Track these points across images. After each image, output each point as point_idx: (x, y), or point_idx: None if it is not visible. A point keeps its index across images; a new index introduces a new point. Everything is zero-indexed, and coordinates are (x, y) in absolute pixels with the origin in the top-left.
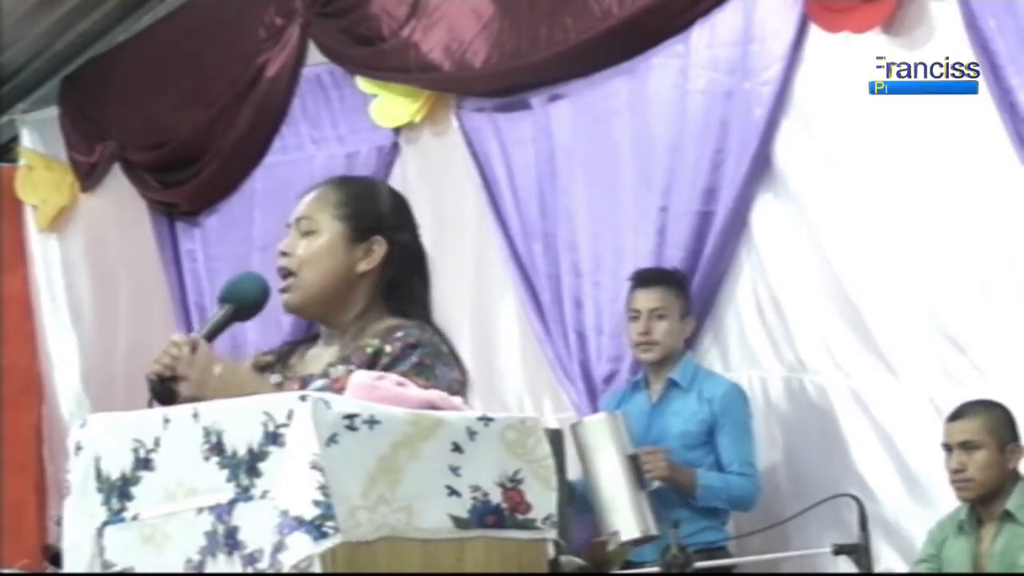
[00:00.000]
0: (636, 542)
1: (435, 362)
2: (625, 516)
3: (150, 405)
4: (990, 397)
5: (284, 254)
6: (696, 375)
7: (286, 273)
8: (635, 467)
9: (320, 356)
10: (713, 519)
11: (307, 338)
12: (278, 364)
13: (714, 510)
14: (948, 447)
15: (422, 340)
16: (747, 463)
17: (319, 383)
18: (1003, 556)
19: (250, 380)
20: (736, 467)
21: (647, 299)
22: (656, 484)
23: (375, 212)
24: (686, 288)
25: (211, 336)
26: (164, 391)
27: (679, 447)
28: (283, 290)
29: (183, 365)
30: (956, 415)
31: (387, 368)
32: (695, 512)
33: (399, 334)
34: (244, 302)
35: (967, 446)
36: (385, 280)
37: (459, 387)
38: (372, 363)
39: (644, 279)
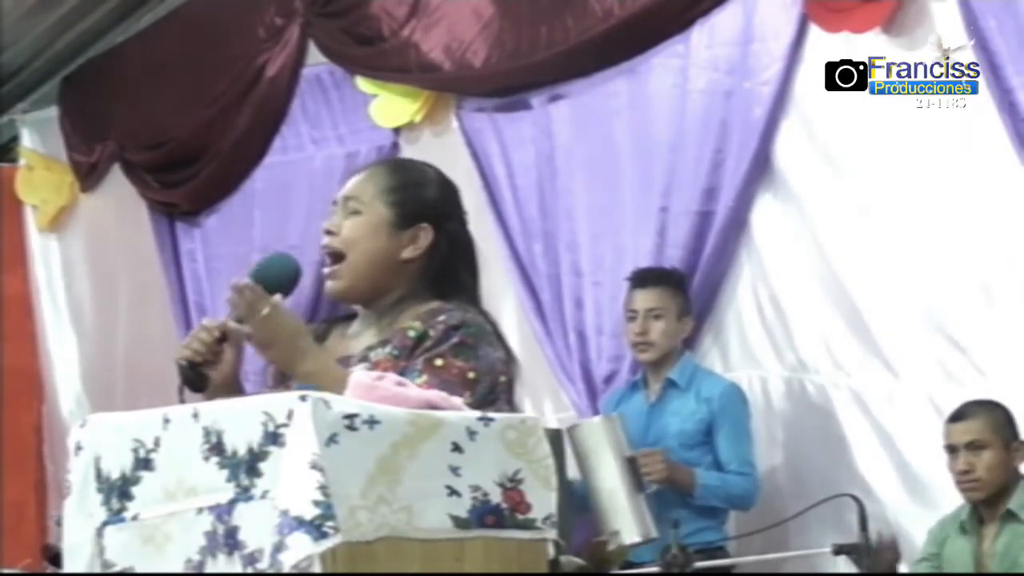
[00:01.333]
0: (636, 545)
1: (478, 342)
2: (625, 519)
3: (180, 392)
4: (989, 397)
5: (329, 232)
6: (695, 375)
7: (333, 254)
8: (633, 469)
9: (359, 336)
10: (711, 519)
11: (344, 317)
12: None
13: (712, 510)
14: (953, 449)
15: (465, 320)
16: (746, 462)
17: (360, 368)
18: (1004, 555)
19: (293, 332)
20: (735, 466)
21: (644, 299)
22: (655, 487)
23: (423, 199)
24: (685, 287)
25: (241, 319)
26: (195, 376)
27: (677, 447)
28: (329, 276)
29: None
30: (958, 416)
31: (429, 351)
32: (693, 512)
33: (441, 317)
34: (276, 283)
35: (973, 446)
36: (431, 268)
37: (504, 366)
38: (415, 347)
39: (641, 279)
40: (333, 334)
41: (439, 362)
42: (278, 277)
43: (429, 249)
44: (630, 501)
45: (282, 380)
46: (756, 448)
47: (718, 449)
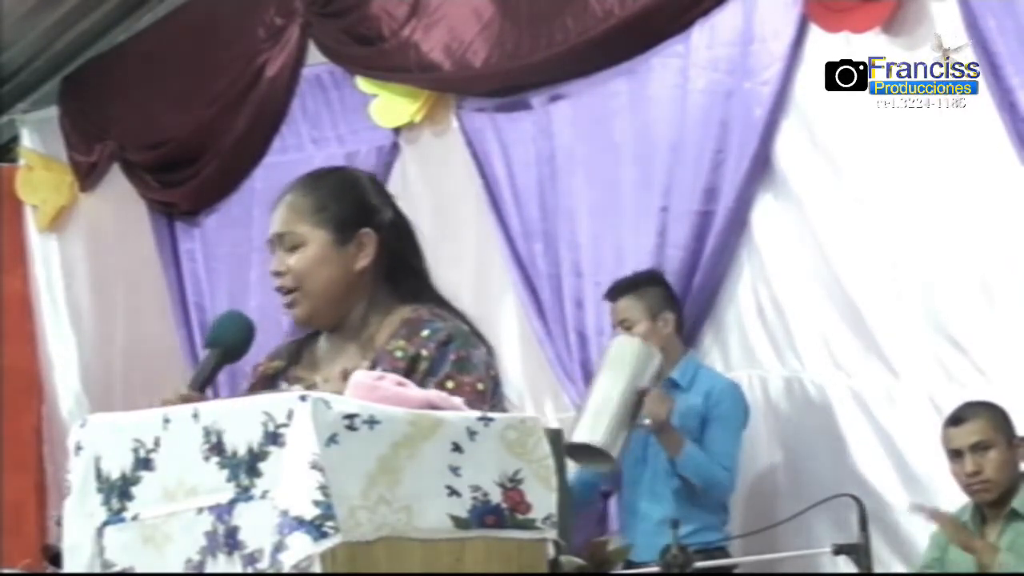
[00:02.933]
0: (586, 449)
1: (469, 351)
2: (598, 423)
3: None
4: (987, 397)
5: (279, 273)
6: (697, 374)
7: (288, 290)
8: (638, 401)
9: (332, 357)
10: (712, 519)
11: (310, 335)
12: (289, 368)
13: (713, 510)
14: (957, 452)
15: (451, 333)
16: (728, 456)
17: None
18: (1008, 553)
19: None
20: (716, 460)
21: (614, 313)
22: (646, 421)
23: (352, 204)
24: (655, 285)
25: (202, 386)
26: None
27: None
28: (289, 305)
29: None
30: (958, 420)
31: (428, 373)
32: (693, 512)
33: (424, 332)
34: (230, 343)
35: (979, 447)
36: (384, 267)
37: (490, 361)
38: (409, 369)
39: (608, 293)
40: (305, 353)
41: (451, 384)
42: (233, 338)
43: (378, 251)
44: (616, 415)
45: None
46: (756, 448)
47: (705, 441)
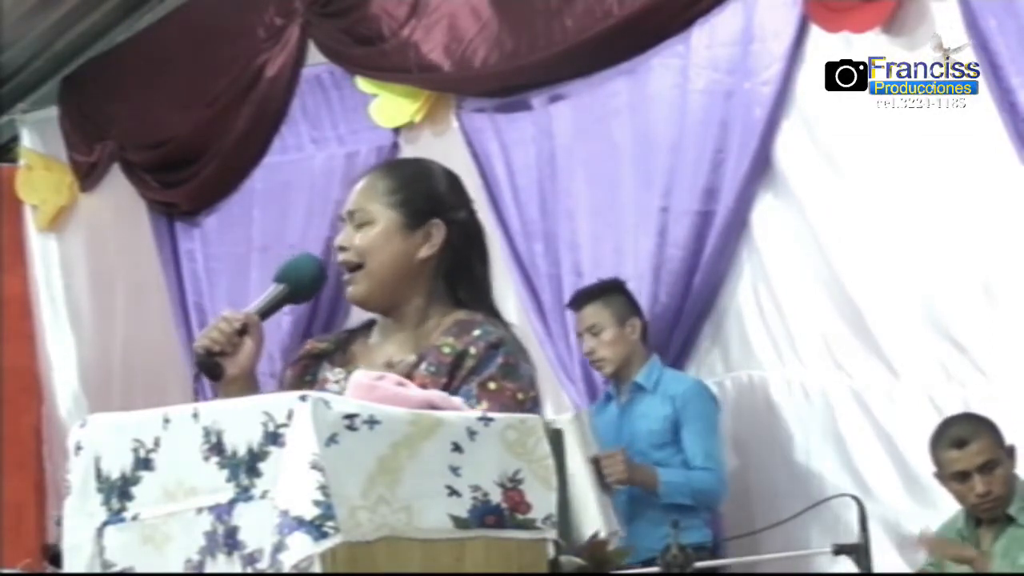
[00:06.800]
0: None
1: (518, 360)
2: (590, 518)
3: (196, 379)
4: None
5: (343, 248)
6: (661, 377)
7: (351, 267)
8: (598, 469)
9: (382, 347)
10: (693, 519)
11: (364, 326)
12: (336, 353)
13: (693, 510)
14: (964, 475)
15: (503, 338)
16: (710, 457)
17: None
18: (1004, 557)
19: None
20: (699, 461)
21: (580, 320)
22: (615, 487)
23: (429, 195)
24: (619, 292)
25: (264, 314)
26: (210, 365)
27: (648, 447)
28: (347, 282)
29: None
30: (962, 442)
31: (473, 371)
32: (675, 513)
33: (476, 332)
34: (300, 283)
35: (987, 467)
36: (446, 264)
37: (535, 380)
38: (455, 366)
39: (572, 302)
40: (357, 343)
41: (492, 385)
42: (302, 279)
43: (443, 245)
44: (595, 500)
45: (298, 386)
46: (756, 448)
47: (684, 445)
